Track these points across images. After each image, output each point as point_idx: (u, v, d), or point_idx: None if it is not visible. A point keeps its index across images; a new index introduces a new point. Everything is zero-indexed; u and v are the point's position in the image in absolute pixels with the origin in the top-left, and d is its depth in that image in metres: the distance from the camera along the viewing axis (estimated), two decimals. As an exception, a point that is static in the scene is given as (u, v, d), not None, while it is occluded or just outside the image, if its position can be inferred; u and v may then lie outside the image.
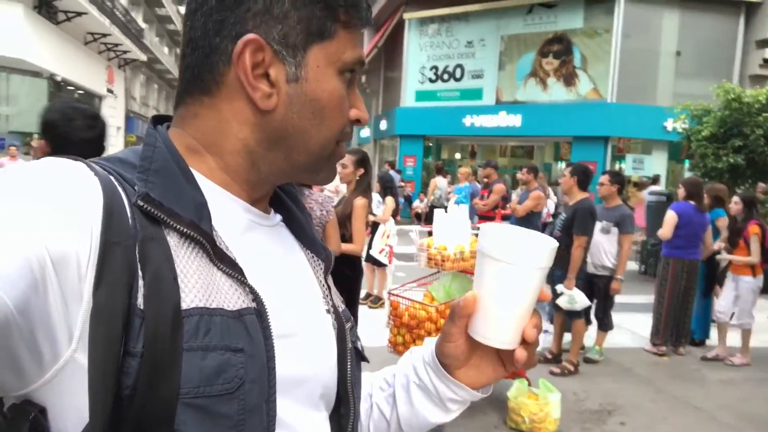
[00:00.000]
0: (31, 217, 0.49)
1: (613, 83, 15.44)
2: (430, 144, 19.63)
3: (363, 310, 5.75)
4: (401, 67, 18.59)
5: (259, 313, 0.61)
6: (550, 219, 9.33)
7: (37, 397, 0.52)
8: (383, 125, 20.10)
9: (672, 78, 15.93)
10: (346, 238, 3.80)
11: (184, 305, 0.55)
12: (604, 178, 5.24)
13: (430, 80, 18.16)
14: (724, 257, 5.66)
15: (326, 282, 0.78)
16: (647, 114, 14.83)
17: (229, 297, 0.59)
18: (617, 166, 15.77)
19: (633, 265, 10.04)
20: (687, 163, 14.49)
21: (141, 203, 0.56)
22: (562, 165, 17.01)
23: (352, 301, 3.91)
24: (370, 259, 6.61)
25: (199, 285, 0.57)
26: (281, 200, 0.79)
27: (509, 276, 0.66)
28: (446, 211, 3.81)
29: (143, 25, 24.47)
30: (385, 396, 0.83)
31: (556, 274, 5.03)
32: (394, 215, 6.88)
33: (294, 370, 0.65)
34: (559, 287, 4.91)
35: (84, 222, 0.51)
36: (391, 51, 19.95)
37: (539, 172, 8.28)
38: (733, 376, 5.17)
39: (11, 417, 0.52)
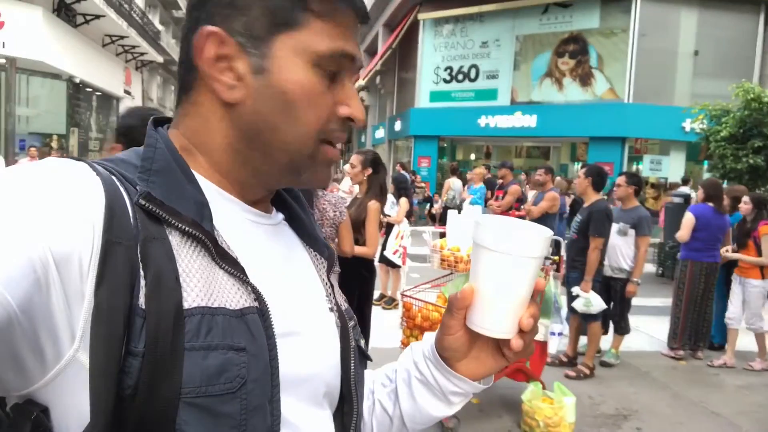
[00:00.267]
0: (34, 217, 0.49)
1: (630, 83, 15.29)
2: (445, 145, 19.60)
3: (377, 311, 5.74)
4: (416, 67, 18.58)
5: (261, 312, 0.61)
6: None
7: (39, 397, 0.52)
8: (398, 126, 20.11)
9: (690, 78, 15.73)
10: (360, 242, 3.80)
11: (185, 305, 0.55)
12: (621, 180, 5.17)
13: (445, 81, 18.13)
14: (732, 255, 5.47)
15: (329, 280, 0.78)
16: (665, 114, 14.66)
17: (231, 296, 0.59)
18: (634, 167, 15.61)
19: (650, 268, 9.92)
20: (706, 164, 14.29)
21: (143, 202, 0.56)
22: (578, 166, 16.88)
23: (365, 301, 3.91)
24: (384, 260, 6.61)
25: (201, 284, 0.57)
26: (283, 199, 0.79)
27: (503, 266, 0.67)
28: (459, 212, 3.80)
29: (160, 27, 24.73)
30: (387, 392, 0.83)
31: (572, 276, 4.98)
32: (408, 216, 6.87)
33: (297, 369, 0.65)
34: (575, 290, 4.86)
35: (86, 222, 0.51)
36: (406, 52, 19.95)
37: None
38: (752, 381, 5.07)
39: (14, 417, 0.53)
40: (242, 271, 0.61)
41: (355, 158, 4.09)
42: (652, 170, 15.15)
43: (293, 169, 0.67)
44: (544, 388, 3.86)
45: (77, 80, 15.71)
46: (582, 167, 5.67)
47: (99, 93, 18.29)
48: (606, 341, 5.31)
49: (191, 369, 0.53)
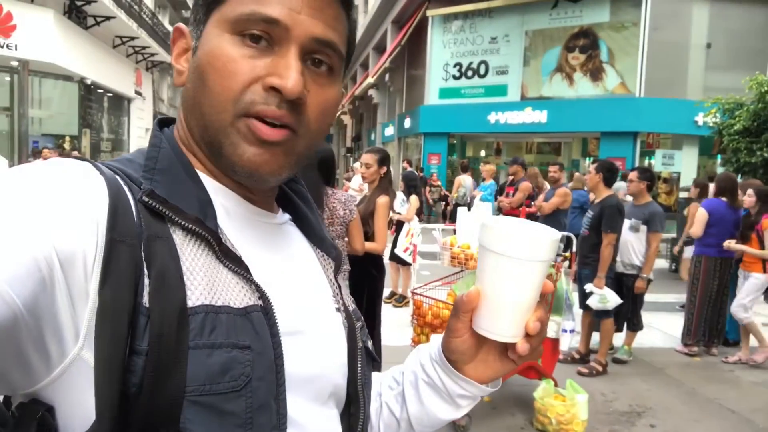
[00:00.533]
0: (39, 216, 0.49)
1: (642, 77, 15.13)
2: (455, 142, 19.52)
3: (387, 308, 5.74)
4: (425, 64, 18.51)
5: (265, 310, 0.61)
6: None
7: (44, 396, 0.53)
8: (407, 123, 20.06)
9: (702, 71, 15.53)
10: (368, 236, 3.80)
11: (189, 303, 0.55)
12: (633, 175, 5.12)
13: (454, 77, 18.04)
14: (735, 246, 5.30)
15: (336, 280, 0.78)
16: (677, 108, 14.50)
17: (235, 294, 0.59)
18: (646, 162, 15.45)
19: (663, 263, 9.84)
20: (719, 159, 14.12)
21: (146, 199, 0.57)
22: (589, 161, 16.76)
23: (375, 299, 3.91)
24: (395, 258, 6.61)
25: (204, 282, 0.57)
26: (290, 199, 0.79)
27: (509, 269, 0.65)
28: (469, 210, 3.78)
29: (169, 28, 24.84)
30: (394, 394, 0.82)
31: (584, 273, 4.94)
32: (418, 214, 6.86)
33: (303, 368, 0.65)
34: (589, 287, 4.82)
35: (90, 221, 0.52)
36: (415, 49, 19.89)
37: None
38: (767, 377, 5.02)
39: (19, 416, 0.53)
40: (246, 269, 0.61)
41: (369, 157, 4.08)
42: (665, 165, 14.98)
43: (215, 146, 0.62)
44: (556, 385, 3.84)
45: (89, 81, 15.84)
46: (593, 162, 5.63)
47: (110, 94, 18.43)
48: (618, 338, 5.27)
49: (195, 367, 0.53)
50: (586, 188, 10.19)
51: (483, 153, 20.41)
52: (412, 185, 6.99)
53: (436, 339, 0.78)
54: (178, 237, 0.58)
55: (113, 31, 16.88)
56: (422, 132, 18.49)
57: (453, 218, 6.98)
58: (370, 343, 0.81)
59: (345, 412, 0.74)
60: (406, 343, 3.94)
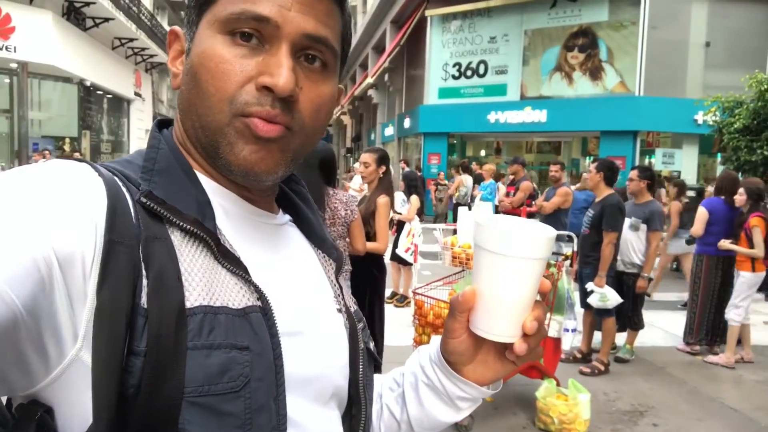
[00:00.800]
0: (38, 217, 0.49)
1: (641, 76, 15.14)
2: (455, 141, 19.52)
3: (389, 309, 5.73)
4: (424, 64, 18.53)
5: (264, 311, 0.60)
6: None
7: (43, 397, 0.52)
8: (407, 123, 20.07)
9: (702, 69, 15.54)
10: (369, 236, 3.79)
11: (188, 304, 0.55)
12: (633, 174, 5.11)
13: (454, 77, 18.05)
14: (728, 246, 5.25)
15: (338, 281, 0.77)
16: (677, 107, 14.51)
17: (233, 295, 0.59)
18: (646, 161, 15.46)
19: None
20: (719, 157, 14.12)
21: (144, 200, 0.57)
22: (589, 160, 16.76)
23: (377, 299, 3.90)
24: (396, 258, 6.61)
25: (203, 283, 0.57)
26: (290, 199, 0.79)
27: (504, 268, 0.64)
28: (470, 209, 3.77)
29: (168, 29, 24.87)
30: (394, 396, 0.82)
31: (585, 272, 4.93)
32: (419, 214, 6.86)
33: (303, 369, 0.64)
34: (589, 285, 4.81)
35: (89, 222, 0.52)
36: (414, 48, 19.90)
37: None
38: (770, 376, 5.01)
39: (18, 417, 0.53)
40: (245, 270, 0.61)
41: (368, 156, 4.07)
42: (665, 164, 14.99)
43: (211, 147, 0.62)
44: (558, 384, 3.83)
45: (88, 83, 15.85)
46: (593, 162, 5.62)
47: (110, 95, 18.44)
48: (620, 337, 5.27)
49: (194, 368, 0.53)
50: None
51: (483, 153, 20.42)
52: (413, 185, 6.99)
53: (436, 340, 0.78)
54: (177, 238, 0.58)
55: (112, 33, 16.89)
56: (422, 132, 18.50)
57: (454, 218, 6.97)
58: (371, 345, 0.80)
59: (347, 413, 0.74)
60: (407, 343, 3.94)
